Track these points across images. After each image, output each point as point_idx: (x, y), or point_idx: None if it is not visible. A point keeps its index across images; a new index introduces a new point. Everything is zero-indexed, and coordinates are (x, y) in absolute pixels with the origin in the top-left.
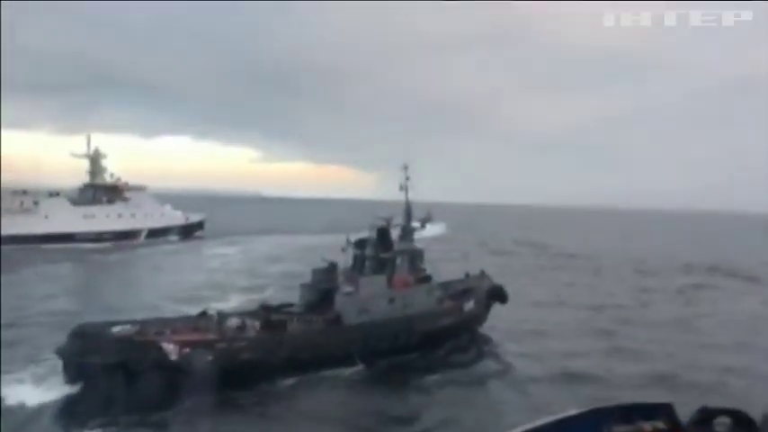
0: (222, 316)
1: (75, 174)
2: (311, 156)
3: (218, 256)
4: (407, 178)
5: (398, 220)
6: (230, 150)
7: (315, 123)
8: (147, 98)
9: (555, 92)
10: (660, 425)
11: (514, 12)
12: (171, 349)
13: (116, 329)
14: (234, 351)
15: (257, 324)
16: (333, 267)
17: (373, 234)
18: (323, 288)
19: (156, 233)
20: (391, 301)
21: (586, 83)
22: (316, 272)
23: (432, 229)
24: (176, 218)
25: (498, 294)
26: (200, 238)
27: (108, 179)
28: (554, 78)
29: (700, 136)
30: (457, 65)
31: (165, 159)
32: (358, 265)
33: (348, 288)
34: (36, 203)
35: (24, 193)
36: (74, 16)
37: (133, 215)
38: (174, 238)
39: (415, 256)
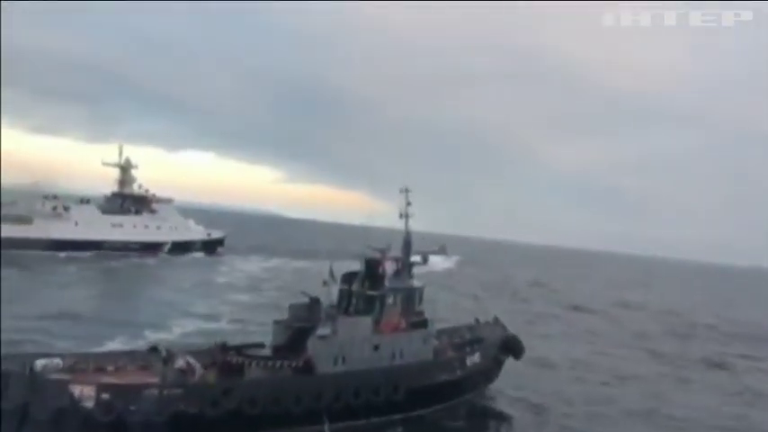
0: (170, 354)
1: (102, 181)
2: (331, 180)
3: (234, 272)
4: (408, 204)
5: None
6: (253, 169)
7: (336, 149)
8: (175, 113)
9: (579, 133)
10: None
11: (541, 50)
12: (85, 393)
13: (40, 363)
14: (166, 400)
15: (210, 366)
16: (315, 303)
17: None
18: (299, 327)
19: (178, 247)
20: (376, 348)
21: (612, 126)
22: (293, 308)
23: (441, 263)
24: (199, 233)
25: (513, 347)
26: (220, 254)
27: (136, 189)
28: (579, 119)
29: (732, 185)
30: (479, 100)
31: (188, 174)
32: (344, 302)
33: (324, 330)
34: (67, 209)
35: (55, 197)
36: (107, 29)
37: (159, 227)
38: (196, 253)
39: (412, 296)
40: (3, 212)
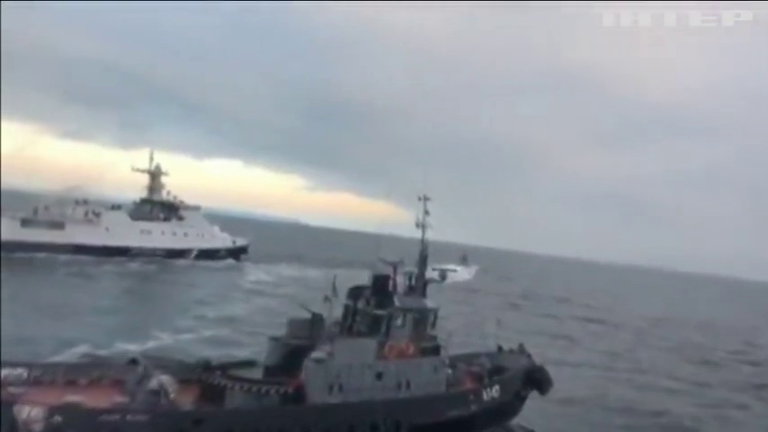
0: (147, 370)
1: (131, 187)
2: (355, 188)
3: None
4: (426, 213)
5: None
6: (279, 177)
7: (362, 158)
8: (204, 120)
9: (611, 146)
10: None
11: (570, 62)
12: (33, 415)
13: (4, 373)
14: (126, 427)
15: (191, 389)
16: (317, 320)
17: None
18: (296, 346)
19: (204, 254)
20: (379, 376)
21: (645, 138)
22: (292, 323)
23: (462, 274)
24: (224, 240)
25: (538, 380)
26: (243, 261)
27: (165, 196)
28: (611, 132)
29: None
30: (505, 111)
31: (215, 180)
32: (349, 320)
33: (320, 352)
34: (98, 215)
35: (86, 203)
36: (137, 34)
37: (186, 234)
38: (221, 261)
39: (424, 318)
40: (37, 217)
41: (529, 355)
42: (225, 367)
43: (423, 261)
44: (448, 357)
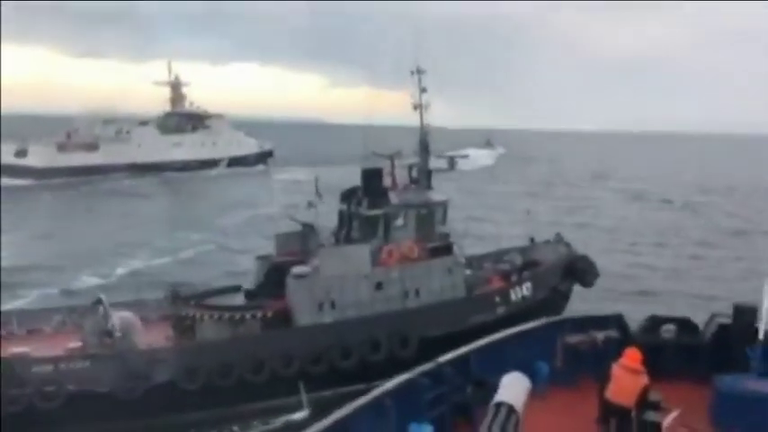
0: (107, 311)
1: (152, 101)
2: (374, 81)
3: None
4: (423, 90)
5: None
6: (296, 77)
7: (378, 49)
8: (215, 26)
9: (637, 11)
10: (612, 333)
11: None
12: None
13: None
14: (61, 377)
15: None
16: (307, 232)
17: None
18: (281, 263)
19: (234, 161)
20: (378, 287)
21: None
22: (280, 238)
23: (477, 159)
24: (251, 146)
25: (581, 271)
26: (269, 165)
27: (188, 107)
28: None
29: None
30: None
31: (234, 87)
32: (345, 227)
33: (302, 267)
34: (128, 132)
35: (113, 121)
36: None
37: (214, 143)
38: (250, 166)
39: (430, 214)
40: (71, 141)
41: (568, 244)
42: (200, 296)
43: (424, 148)
44: (466, 258)
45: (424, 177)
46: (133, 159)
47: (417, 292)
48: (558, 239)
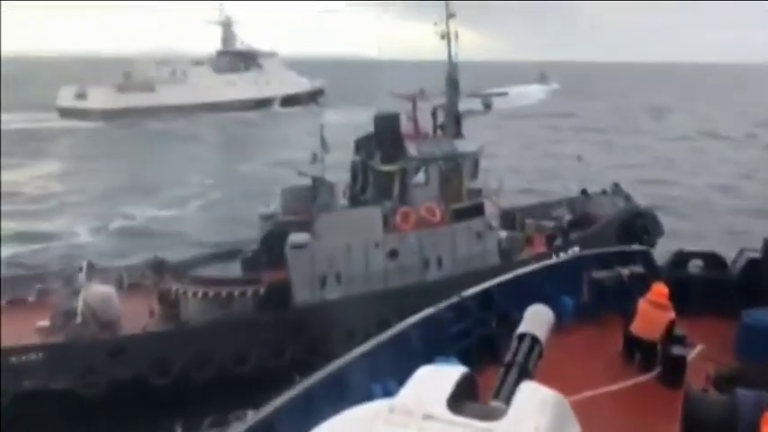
0: (78, 282)
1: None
2: (424, 16)
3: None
4: (451, 15)
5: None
6: (345, 11)
7: None
8: None
9: None
10: (637, 269)
11: None
12: None
13: None
14: (12, 372)
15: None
16: (320, 185)
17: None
18: (288, 225)
19: (287, 101)
20: (392, 254)
21: None
22: (286, 194)
23: (525, 95)
24: (303, 84)
25: (642, 228)
26: (322, 104)
27: (239, 46)
28: None
29: None
30: None
31: (280, 24)
32: (358, 183)
33: (302, 234)
34: (184, 73)
35: (167, 62)
36: None
37: (268, 82)
38: (304, 105)
39: (456, 168)
40: (130, 82)
41: (628, 197)
42: (188, 265)
43: (453, 86)
44: (504, 212)
45: (451, 122)
46: (190, 99)
47: (440, 262)
48: (616, 191)
